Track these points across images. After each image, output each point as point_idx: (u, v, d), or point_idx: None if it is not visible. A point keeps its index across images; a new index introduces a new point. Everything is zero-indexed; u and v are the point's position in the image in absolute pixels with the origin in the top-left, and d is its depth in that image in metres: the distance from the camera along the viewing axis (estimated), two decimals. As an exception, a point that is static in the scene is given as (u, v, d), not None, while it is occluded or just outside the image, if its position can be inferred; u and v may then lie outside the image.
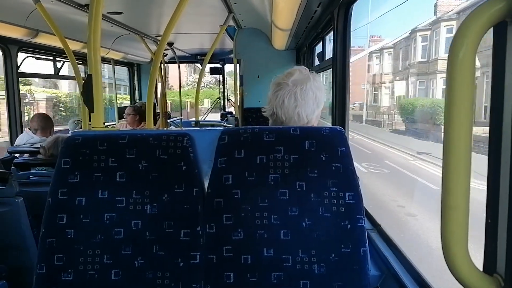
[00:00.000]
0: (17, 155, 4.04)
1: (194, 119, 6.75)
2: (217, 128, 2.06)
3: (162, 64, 7.06)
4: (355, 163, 1.53)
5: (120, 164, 1.54)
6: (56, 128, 5.13)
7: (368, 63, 37.66)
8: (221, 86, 9.82)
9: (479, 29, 0.80)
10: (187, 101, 23.62)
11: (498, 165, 0.86)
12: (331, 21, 2.87)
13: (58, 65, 5.63)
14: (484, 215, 0.91)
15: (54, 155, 3.22)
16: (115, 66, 7.57)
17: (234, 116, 7.24)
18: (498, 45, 0.84)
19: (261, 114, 1.90)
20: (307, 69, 1.83)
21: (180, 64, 8.25)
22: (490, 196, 0.89)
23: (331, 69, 2.91)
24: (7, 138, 5.06)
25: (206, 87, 39.38)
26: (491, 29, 0.83)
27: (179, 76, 8.65)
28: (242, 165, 1.52)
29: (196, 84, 6.58)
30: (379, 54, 37.25)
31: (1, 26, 3.99)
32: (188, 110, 24.09)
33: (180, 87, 9.21)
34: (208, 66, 8.71)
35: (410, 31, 30.95)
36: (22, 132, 4.69)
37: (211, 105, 12.75)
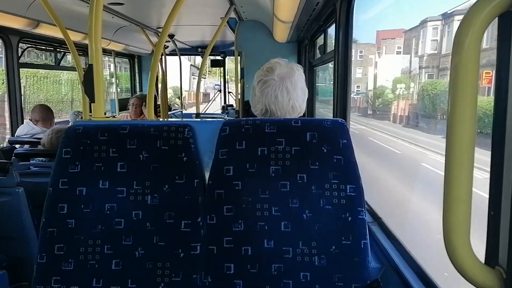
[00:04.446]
0: (17, 145, 4.05)
1: (194, 111, 6.75)
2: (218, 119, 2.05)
3: (163, 56, 7.04)
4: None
5: (121, 154, 1.54)
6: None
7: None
8: (222, 79, 9.79)
9: (484, 19, 0.79)
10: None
11: (501, 158, 0.85)
12: (333, 14, 2.85)
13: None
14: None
15: (46, 145, 3.23)
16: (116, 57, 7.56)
17: (234, 108, 7.23)
18: (502, 35, 0.84)
19: None
20: (284, 59, 1.81)
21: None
22: (492, 189, 0.89)
23: (333, 61, 2.90)
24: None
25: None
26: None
27: (180, 69, 8.62)
28: (243, 157, 1.52)
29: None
30: None
31: (2, 16, 3.97)
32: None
33: (181, 79, 9.18)
34: (209, 58, 8.66)
35: None
36: (22, 122, 4.70)
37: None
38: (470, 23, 0.80)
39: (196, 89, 6.77)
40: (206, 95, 23.34)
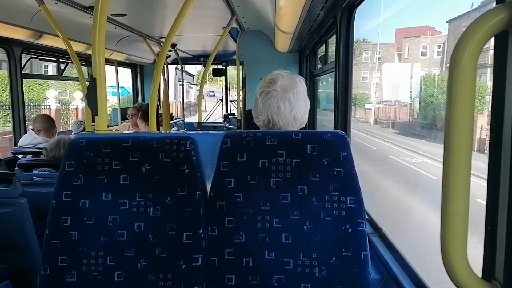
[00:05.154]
0: (20, 156, 4.07)
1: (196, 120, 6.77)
2: (219, 131, 2.07)
3: (165, 66, 7.07)
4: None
5: (123, 167, 1.56)
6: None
7: None
8: (224, 88, 9.82)
9: (481, 38, 0.81)
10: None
11: (497, 173, 0.87)
12: (334, 25, 2.87)
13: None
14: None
15: (56, 157, 3.24)
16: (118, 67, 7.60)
17: (236, 117, 7.25)
18: (499, 54, 0.85)
19: None
20: (286, 71, 1.83)
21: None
22: (489, 204, 0.90)
23: (334, 72, 2.92)
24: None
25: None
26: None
27: (181, 79, 8.66)
28: (245, 169, 1.53)
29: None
30: None
31: (5, 28, 4.01)
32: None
33: (183, 89, 9.22)
34: (211, 68, 8.71)
35: None
36: (25, 132, 4.72)
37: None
38: (467, 42, 0.81)
39: (197, 97, 6.78)
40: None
